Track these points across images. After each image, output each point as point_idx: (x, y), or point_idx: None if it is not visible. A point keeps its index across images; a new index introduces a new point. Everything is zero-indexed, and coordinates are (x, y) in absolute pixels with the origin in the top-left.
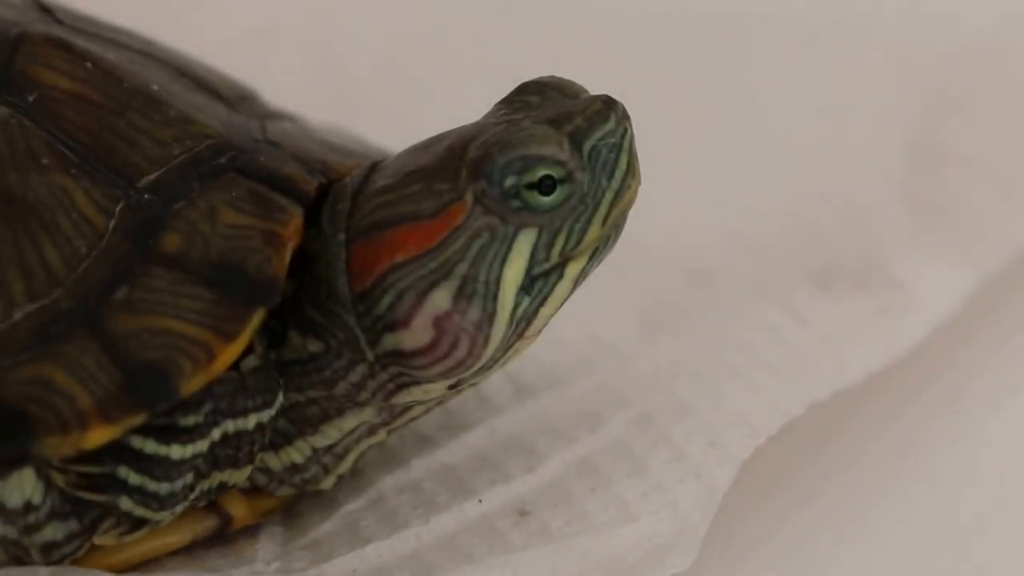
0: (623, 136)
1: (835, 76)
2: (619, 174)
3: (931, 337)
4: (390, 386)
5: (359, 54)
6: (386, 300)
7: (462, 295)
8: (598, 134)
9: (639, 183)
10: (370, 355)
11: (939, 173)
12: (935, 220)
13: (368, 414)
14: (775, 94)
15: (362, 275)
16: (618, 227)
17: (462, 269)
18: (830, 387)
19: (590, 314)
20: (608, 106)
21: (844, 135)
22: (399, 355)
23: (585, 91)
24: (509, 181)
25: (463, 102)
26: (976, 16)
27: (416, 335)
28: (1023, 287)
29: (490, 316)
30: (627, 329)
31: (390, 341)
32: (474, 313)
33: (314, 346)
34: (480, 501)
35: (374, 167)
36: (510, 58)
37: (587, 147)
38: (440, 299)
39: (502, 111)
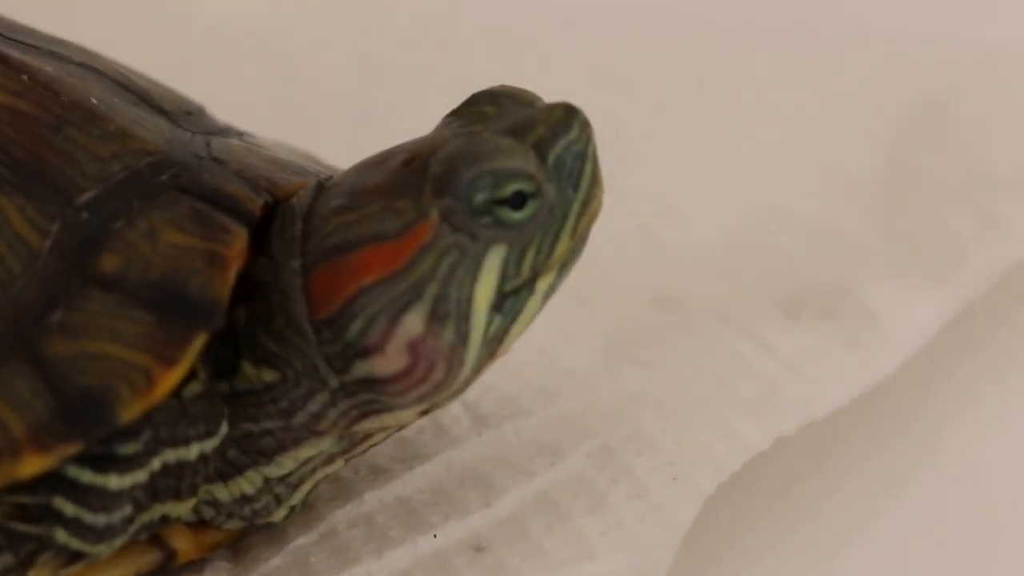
0: (587, 144)
1: (808, 99)
2: (585, 183)
3: (903, 369)
4: (354, 413)
5: (317, 65)
6: (356, 326)
7: (435, 317)
8: (562, 143)
9: (603, 192)
10: (333, 383)
11: (913, 199)
12: (909, 247)
13: (327, 443)
14: (746, 116)
15: (326, 301)
16: (583, 238)
17: (433, 290)
18: (797, 421)
19: (552, 342)
20: (570, 114)
21: (817, 159)
22: (372, 382)
23: (539, 99)
24: (480, 197)
25: (421, 114)
26: (952, 40)
27: (390, 361)
28: (998, 318)
29: (464, 337)
30: (590, 358)
31: (362, 368)
32: (449, 335)
33: (269, 376)
34: (435, 536)
35: (321, 187)
36: (469, 71)
37: (551, 157)
38: (413, 322)
39: (456, 123)
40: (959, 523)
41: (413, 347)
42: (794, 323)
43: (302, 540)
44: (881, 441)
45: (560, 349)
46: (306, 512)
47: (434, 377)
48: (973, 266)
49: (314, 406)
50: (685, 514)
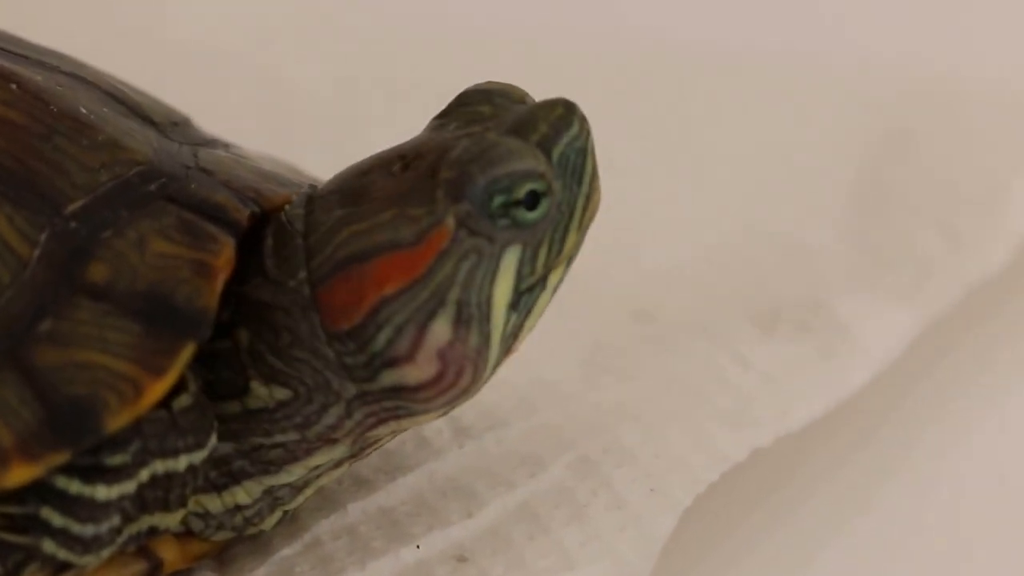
0: (587, 139)
1: (780, 116)
2: (587, 178)
3: (876, 381)
4: (371, 421)
5: (301, 79)
6: (383, 336)
7: (460, 321)
8: (565, 140)
9: (600, 185)
10: (348, 393)
11: (884, 214)
12: (880, 262)
13: (339, 451)
14: (720, 132)
15: (346, 313)
16: (586, 231)
17: (455, 295)
18: (773, 432)
19: (532, 355)
20: (569, 110)
21: (789, 175)
22: (399, 390)
23: (528, 96)
24: (497, 200)
25: (401, 126)
26: (922, 58)
27: (421, 369)
28: (968, 331)
29: (487, 338)
30: (569, 370)
31: (390, 377)
32: (474, 338)
33: (281, 394)
34: (418, 547)
35: (311, 199)
36: (449, 83)
37: (556, 154)
38: (441, 329)
39: (452, 124)
40: (931, 530)
41: (442, 354)
42: (769, 336)
43: (286, 551)
44: (853, 450)
45: (540, 361)
46: (291, 523)
47: (462, 381)
48: (941, 280)
49: (329, 419)
50: (663, 525)
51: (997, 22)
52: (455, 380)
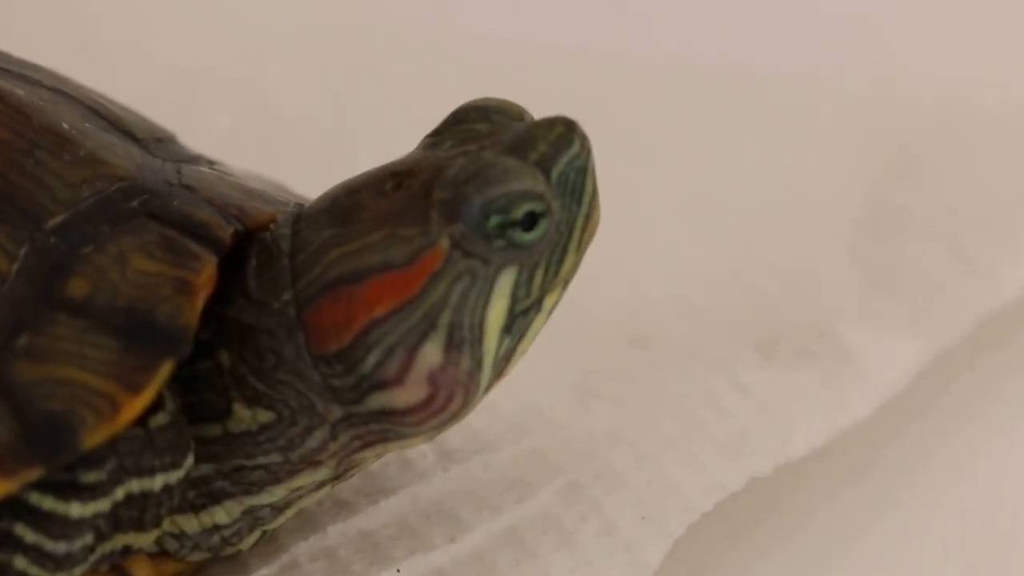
0: (587, 158)
1: (785, 138)
2: (587, 198)
3: (880, 411)
4: (356, 444)
5: (288, 97)
6: (372, 358)
7: (452, 345)
8: (565, 159)
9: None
10: (334, 416)
11: (891, 239)
12: (886, 288)
13: (323, 473)
14: (721, 154)
15: (334, 334)
16: (584, 252)
17: (447, 317)
18: (771, 461)
19: (522, 379)
20: (570, 129)
21: (792, 198)
22: (388, 413)
23: (526, 112)
24: (494, 221)
25: (391, 146)
26: (931, 82)
27: (410, 393)
28: (978, 361)
29: (479, 361)
30: (561, 395)
31: (378, 400)
32: (465, 362)
33: (264, 417)
34: (399, 571)
35: (298, 218)
36: (439, 104)
37: (555, 174)
38: (432, 353)
39: (447, 142)
40: (933, 561)
41: (433, 378)
42: (770, 363)
43: (264, 572)
44: (852, 480)
45: (531, 385)
46: (268, 543)
47: (453, 405)
48: (950, 308)
49: (313, 442)
50: (654, 552)
51: (1010, 46)
52: (445, 404)
